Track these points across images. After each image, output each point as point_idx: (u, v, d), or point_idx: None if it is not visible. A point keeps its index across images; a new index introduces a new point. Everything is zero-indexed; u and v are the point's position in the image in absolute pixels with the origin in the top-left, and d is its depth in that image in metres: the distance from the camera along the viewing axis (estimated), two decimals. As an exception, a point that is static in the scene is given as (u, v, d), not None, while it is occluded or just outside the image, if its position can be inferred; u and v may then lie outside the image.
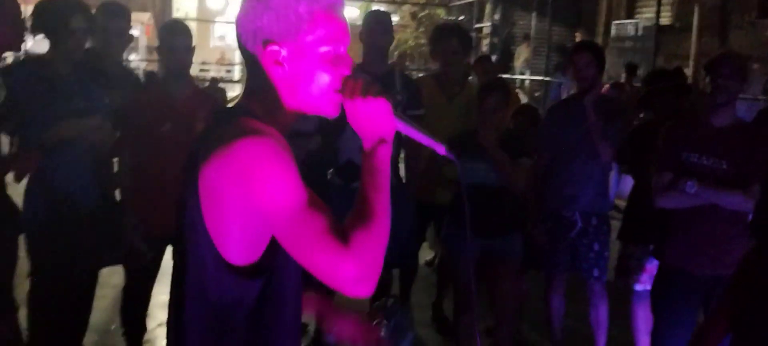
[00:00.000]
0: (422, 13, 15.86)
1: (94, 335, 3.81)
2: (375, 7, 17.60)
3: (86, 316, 3.28)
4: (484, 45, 13.49)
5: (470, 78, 5.65)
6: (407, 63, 14.11)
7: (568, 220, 3.80)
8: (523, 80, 12.50)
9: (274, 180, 1.28)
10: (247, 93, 1.46)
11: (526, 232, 3.81)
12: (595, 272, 3.80)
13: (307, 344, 3.94)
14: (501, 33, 13.12)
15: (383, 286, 3.98)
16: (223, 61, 18.53)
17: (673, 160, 3.09)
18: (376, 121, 1.39)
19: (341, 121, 3.68)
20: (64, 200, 2.98)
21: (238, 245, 1.36)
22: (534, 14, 11.94)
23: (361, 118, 1.39)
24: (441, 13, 15.15)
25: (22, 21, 2.84)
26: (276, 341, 1.45)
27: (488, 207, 3.54)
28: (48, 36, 2.99)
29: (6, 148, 3.03)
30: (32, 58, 3.16)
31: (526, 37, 12.87)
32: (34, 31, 3.01)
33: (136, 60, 14.28)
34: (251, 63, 1.43)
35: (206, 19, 18.79)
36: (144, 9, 14.87)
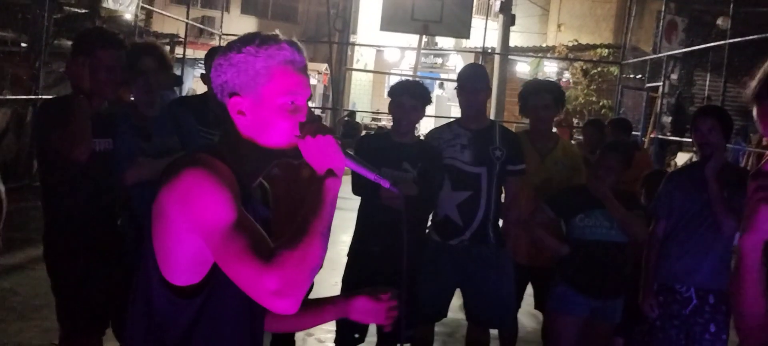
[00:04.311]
0: (594, 71, 15.46)
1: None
2: (546, 64, 17.49)
3: None
4: (658, 105, 12.85)
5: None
6: (575, 120, 13.73)
7: (682, 295, 3.53)
8: (699, 144, 11.70)
9: (207, 202, 1.43)
10: (220, 136, 1.65)
11: (636, 303, 3.64)
12: (710, 356, 3.48)
13: None
14: (675, 93, 12.43)
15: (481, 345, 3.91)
16: (395, 111, 19.05)
17: None
18: (324, 154, 1.53)
19: (440, 177, 3.67)
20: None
21: (178, 266, 1.50)
22: (708, 75, 11.20)
23: (312, 153, 1.53)
24: (614, 70, 14.67)
25: (118, 71, 2.98)
26: None
27: (604, 266, 3.56)
28: (127, 78, 3.14)
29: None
30: (128, 103, 3.38)
31: (708, 99, 12.12)
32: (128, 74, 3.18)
33: (312, 106, 15.15)
34: (222, 112, 1.60)
35: (382, 70, 19.55)
36: (326, 60, 15.82)
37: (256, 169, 1.64)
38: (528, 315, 4.39)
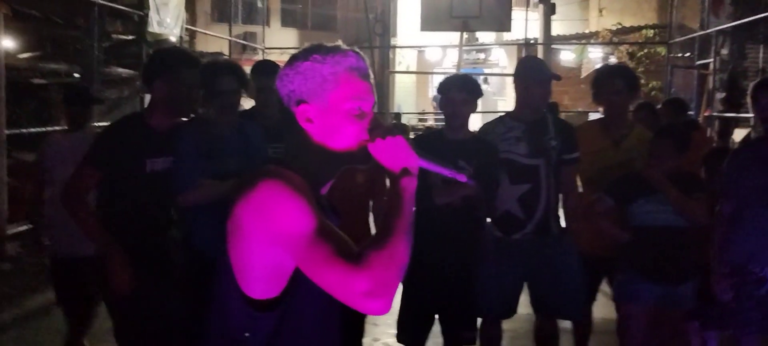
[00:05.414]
0: (641, 53, 15.17)
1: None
2: (591, 50, 17.22)
3: None
4: (710, 82, 12.51)
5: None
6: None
7: (756, 275, 3.43)
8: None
9: (287, 212, 1.46)
10: (286, 145, 1.69)
11: (708, 286, 3.56)
12: (791, 335, 3.38)
13: None
14: (727, 68, 12.08)
15: (550, 338, 3.86)
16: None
17: None
18: (397, 154, 1.57)
19: (496, 173, 3.67)
20: (198, 258, 3.07)
21: (256, 279, 1.52)
22: (761, 47, 10.86)
23: (385, 154, 1.58)
24: (662, 51, 14.35)
25: (196, 90, 3.04)
26: None
27: (669, 251, 3.50)
28: (205, 96, 3.20)
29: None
30: (197, 119, 3.34)
31: (763, 72, 11.74)
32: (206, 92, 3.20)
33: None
34: (290, 120, 1.63)
35: (425, 70, 19.50)
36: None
37: (326, 176, 1.67)
38: (603, 306, 4.32)
